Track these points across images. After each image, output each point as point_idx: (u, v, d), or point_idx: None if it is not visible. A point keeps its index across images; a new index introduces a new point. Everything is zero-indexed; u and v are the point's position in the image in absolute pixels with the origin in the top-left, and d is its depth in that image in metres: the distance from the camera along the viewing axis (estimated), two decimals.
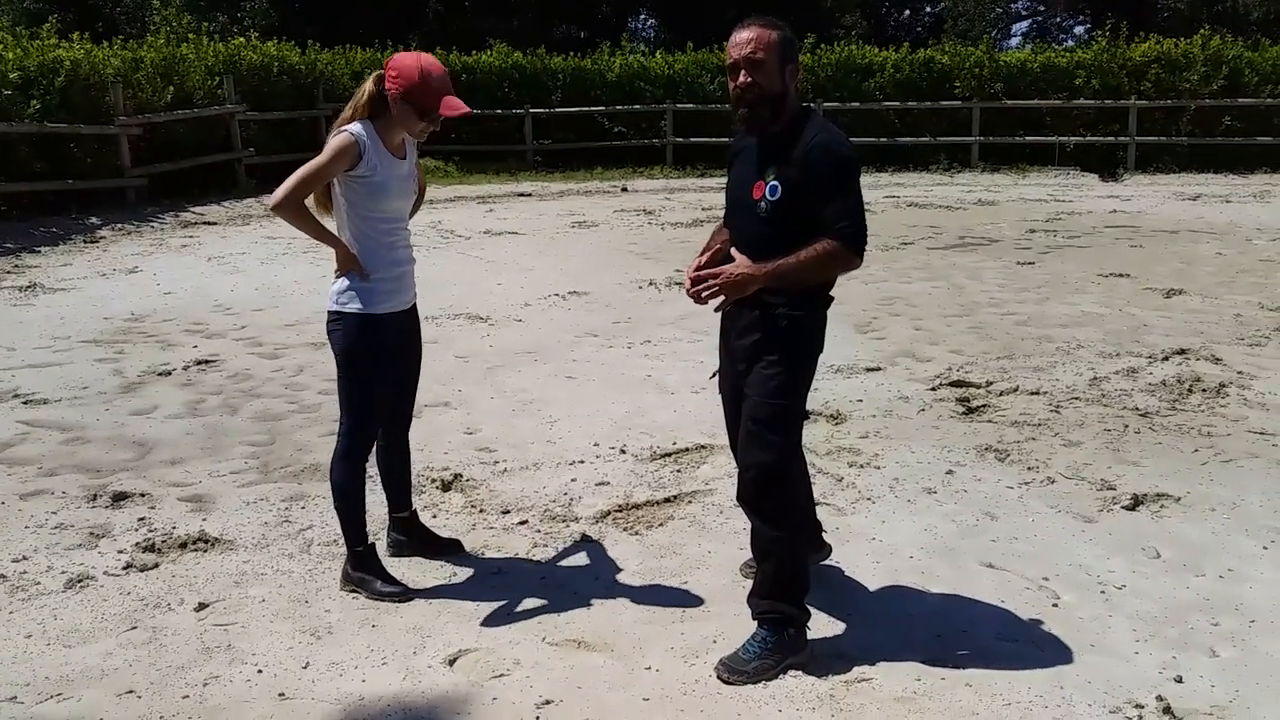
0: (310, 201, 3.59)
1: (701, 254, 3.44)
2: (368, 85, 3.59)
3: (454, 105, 3.52)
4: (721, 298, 3.28)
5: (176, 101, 16.10)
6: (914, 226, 13.10)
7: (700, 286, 3.26)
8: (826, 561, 3.93)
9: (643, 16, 41.65)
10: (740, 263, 3.22)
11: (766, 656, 3.23)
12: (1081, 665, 3.25)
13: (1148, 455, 5.07)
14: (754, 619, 3.33)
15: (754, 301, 3.25)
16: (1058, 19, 42.34)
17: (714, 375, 3.60)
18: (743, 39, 3.19)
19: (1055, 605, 3.63)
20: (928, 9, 42.00)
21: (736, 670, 3.22)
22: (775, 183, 3.21)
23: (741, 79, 3.19)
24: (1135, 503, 4.49)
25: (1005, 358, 6.87)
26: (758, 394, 3.26)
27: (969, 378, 6.39)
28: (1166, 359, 6.75)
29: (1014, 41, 41.59)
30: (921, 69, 21.58)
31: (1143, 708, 3.01)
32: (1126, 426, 5.48)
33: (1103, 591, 3.73)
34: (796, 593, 3.30)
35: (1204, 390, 6.07)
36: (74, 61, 14.28)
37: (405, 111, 3.52)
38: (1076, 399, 5.96)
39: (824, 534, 3.87)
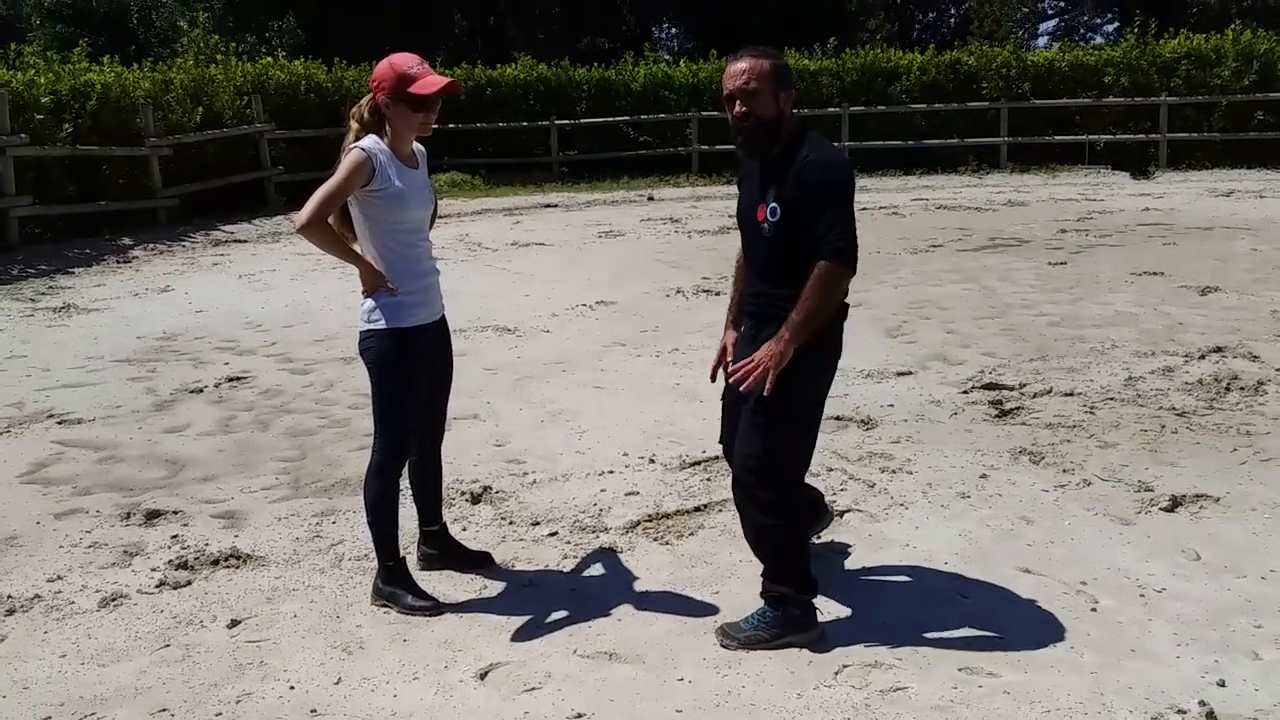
0: (331, 223, 3.60)
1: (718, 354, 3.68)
2: (363, 106, 3.63)
3: (430, 83, 3.53)
4: (770, 376, 3.25)
5: (206, 122, 16.29)
6: (943, 229, 13.00)
7: (747, 383, 3.26)
8: (860, 566, 3.91)
9: (666, 25, 41.71)
10: (764, 348, 3.26)
11: (763, 630, 3.39)
12: (1122, 670, 3.19)
13: (1185, 455, 4.99)
14: (760, 596, 3.45)
15: (776, 317, 3.31)
16: (1085, 17, 42.01)
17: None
18: (737, 70, 3.31)
19: (1094, 610, 3.58)
20: (953, 11, 41.75)
21: (731, 635, 3.41)
22: (775, 204, 3.33)
23: (738, 109, 3.32)
24: (1174, 504, 4.42)
25: (1038, 359, 6.79)
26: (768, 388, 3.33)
27: (1002, 380, 6.32)
28: (1203, 357, 6.65)
29: (1041, 41, 41.31)
30: (948, 70, 21.48)
31: (1185, 713, 2.95)
32: (1163, 427, 5.40)
33: (1142, 595, 3.67)
34: (795, 574, 3.41)
35: (1242, 388, 5.97)
36: (105, 84, 14.49)
37: (398, 111, 3.55)
38: (1112, 399, 5.88)
39: (824, 501, 4.04)
